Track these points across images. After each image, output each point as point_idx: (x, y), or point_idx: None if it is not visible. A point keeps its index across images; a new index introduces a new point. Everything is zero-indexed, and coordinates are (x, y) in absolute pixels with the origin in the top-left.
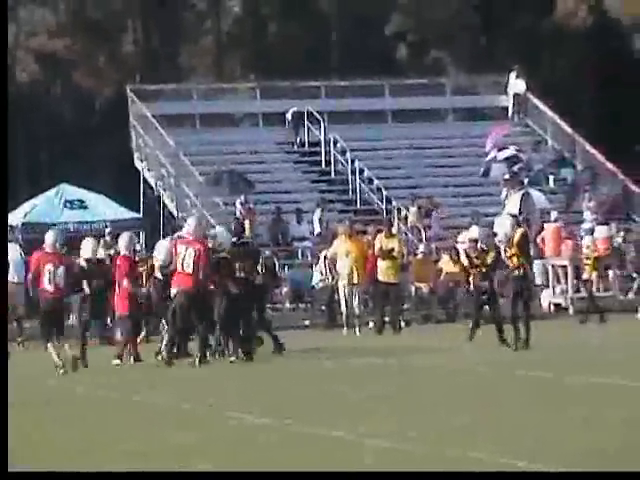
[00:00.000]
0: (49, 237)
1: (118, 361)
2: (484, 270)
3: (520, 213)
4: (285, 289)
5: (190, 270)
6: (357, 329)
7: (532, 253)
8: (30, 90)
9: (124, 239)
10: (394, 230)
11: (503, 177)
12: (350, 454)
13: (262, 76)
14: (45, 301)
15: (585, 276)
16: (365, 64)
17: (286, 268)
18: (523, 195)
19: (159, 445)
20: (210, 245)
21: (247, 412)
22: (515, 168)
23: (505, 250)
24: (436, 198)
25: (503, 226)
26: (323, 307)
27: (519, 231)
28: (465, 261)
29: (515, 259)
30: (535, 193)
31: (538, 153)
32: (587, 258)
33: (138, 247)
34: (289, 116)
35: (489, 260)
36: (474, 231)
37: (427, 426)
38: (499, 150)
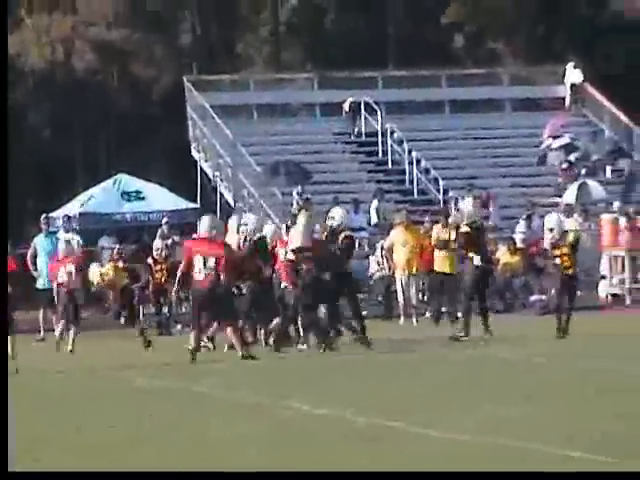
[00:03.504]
0: (204, 223)
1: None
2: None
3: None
4: None
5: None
6: (414, 319)
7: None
8: (87, 80)
9: None
10: (451, 220)
11: (560, 166)
12: (405, 445)
13: (319, 66)
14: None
15: None
16: (421, 54)
17: None
18: (580, 185)
19: (214, 435)
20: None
21: (306, 402)
22: (572, 157)
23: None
24: (492, 190)
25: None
26: (380, 297)
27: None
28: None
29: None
30: (592, 184)
31: (595, 143)
32: None
33: None
34: (346, 106)
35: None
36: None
37: (484, 417)
38: (554, 138)
